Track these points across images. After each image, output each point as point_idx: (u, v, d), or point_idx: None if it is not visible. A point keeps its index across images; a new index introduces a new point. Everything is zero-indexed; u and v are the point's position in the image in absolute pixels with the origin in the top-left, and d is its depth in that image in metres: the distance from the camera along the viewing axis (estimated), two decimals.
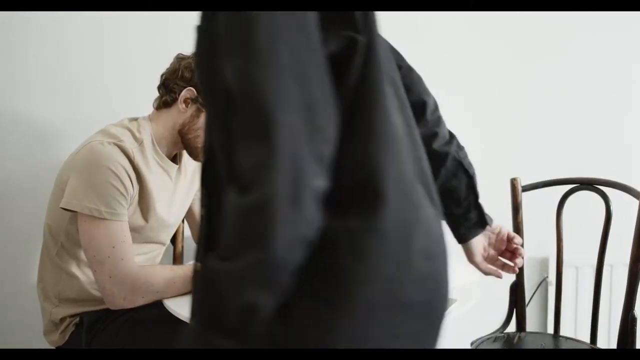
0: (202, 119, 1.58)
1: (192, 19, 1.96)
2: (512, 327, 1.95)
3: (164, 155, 1.61)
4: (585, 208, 1.97)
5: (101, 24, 1.96)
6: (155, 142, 1.59)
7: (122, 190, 1.46)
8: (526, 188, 1.93)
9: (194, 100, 1.58)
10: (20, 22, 1.91)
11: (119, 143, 1.50)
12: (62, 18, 1.92)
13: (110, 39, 1.97)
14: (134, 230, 1.53)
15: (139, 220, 1.55)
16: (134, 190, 1.51)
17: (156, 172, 1.58)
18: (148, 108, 1.66)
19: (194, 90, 1.57)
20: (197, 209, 1.83)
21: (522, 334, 1.92)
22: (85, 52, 1.96)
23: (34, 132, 1.97)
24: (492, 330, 1.91)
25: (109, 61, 1.98)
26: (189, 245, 1.93)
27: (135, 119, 1.63)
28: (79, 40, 1.96)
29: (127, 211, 1.50)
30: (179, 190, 1.69)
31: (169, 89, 1.60)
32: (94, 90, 1.98)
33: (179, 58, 1.62)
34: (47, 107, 1.97)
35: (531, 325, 2.28)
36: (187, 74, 1.58)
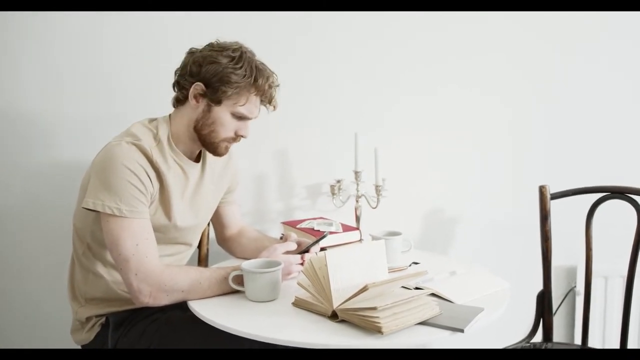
0: (214, 114, 1.56)
1: (207, 15, 1.94)
2: (538, 337, 1.92)
3: (181, 154, 1.60)
4: (615, 217, 1.93)
5: (117, 22, 1.98)
6: (172, 141, 1.58)
7: (141, 187, 1.47)
8: (555, 196, 1.90)
9: (203, 95, 1.55)
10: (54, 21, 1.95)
11: (136, 142, 1.50)
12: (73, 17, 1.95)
13: (131, 37, 1.99)
14: (157, 230, 1.54)
15: (161, 219, 1.56)
16: (153, 189, 1.52)
17: (175, 171, 1.58)
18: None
19: (203, 84, 1.54)
20: (223, 211, 1.83)
21: (549, 344, 1.89)
22: (110, 53, 1.99)
23: (64, 132, 2.01)
24: (518, 340, 1.88)
25: (131, 61, 2.00)
26: (214, 247, 1.93)
27: (155, 119, 1.62)
28: (105, 40, 1.99)
29: (149, 209, 1.51)
30: (203, 189, 1.68)
31: (180, 85, 1.59)
32: (123, 90, 2.00)
33: (189, 53, 1.59)
34: (76, 107, 2.00)
35: (558, 335, 2.24)
36: (195, 69, 1.54)
